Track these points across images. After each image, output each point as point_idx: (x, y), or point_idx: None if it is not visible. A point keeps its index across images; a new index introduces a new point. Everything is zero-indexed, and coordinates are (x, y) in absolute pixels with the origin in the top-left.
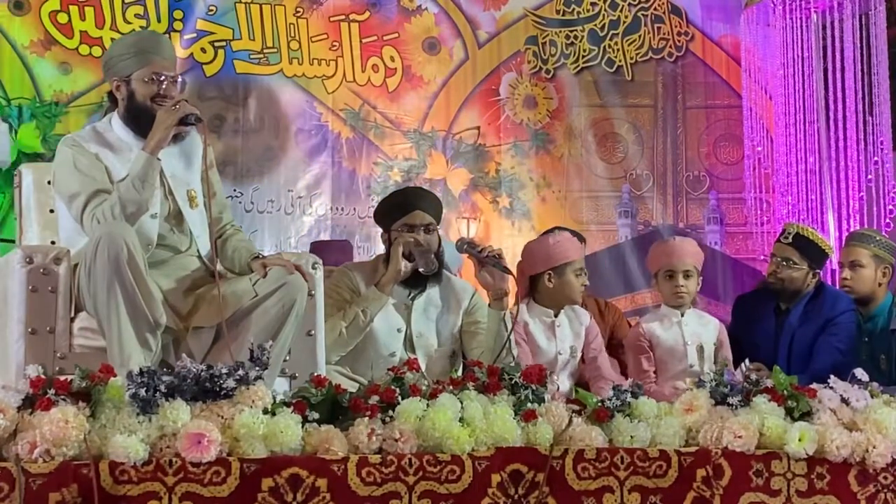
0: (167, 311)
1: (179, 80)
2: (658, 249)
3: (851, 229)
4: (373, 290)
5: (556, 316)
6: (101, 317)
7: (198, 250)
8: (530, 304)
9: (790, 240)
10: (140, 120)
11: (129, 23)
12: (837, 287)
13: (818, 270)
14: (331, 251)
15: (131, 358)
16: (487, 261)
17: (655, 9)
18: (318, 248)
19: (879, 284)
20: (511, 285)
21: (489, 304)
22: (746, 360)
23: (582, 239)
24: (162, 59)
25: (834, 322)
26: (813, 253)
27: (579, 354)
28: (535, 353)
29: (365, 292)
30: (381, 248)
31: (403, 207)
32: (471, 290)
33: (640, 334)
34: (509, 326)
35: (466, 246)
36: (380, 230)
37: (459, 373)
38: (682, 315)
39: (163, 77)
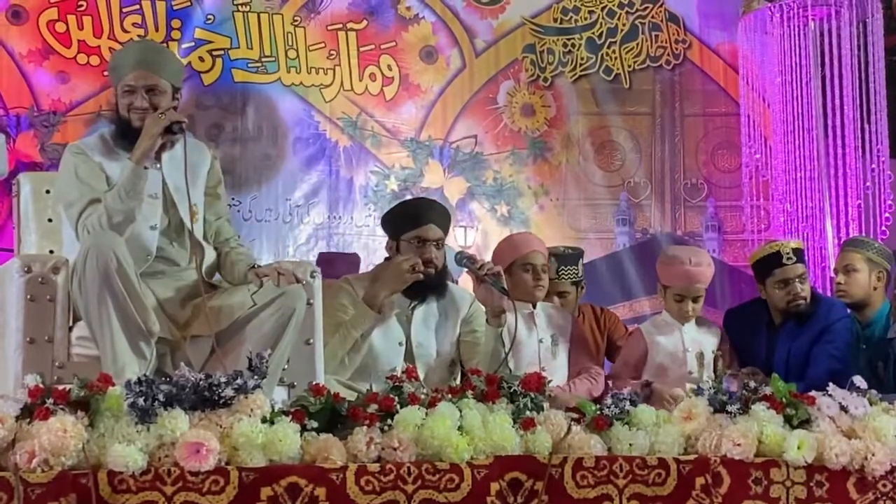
0: (164, 320)
1: (160, 89)
2: (674, 269)
3: (849, 236)
4: (363, 309)
5: (534, 307)
6: (93, 327)
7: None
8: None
9: (794, 258)
10: (124, 131)
11: (126, 32)
12: (833, 293)
13: None
14: (340, 264)
15: (125, 367)
16: (486, 279)
17: (653, 17)
18: (325, 259)
19: (874, 289)
20: (508, 304)
21: (486, 321)
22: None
23: (575, 260)
24: (139, 71)
25: (829, 330)
26: (805, 259)
27: (564, 347)
28: (516, 345)
29: (355, 312)
30: (378, 258)
31: (416, 219)
32: (469, 298)
33: (638, 341)
34: (507, 343)
35: (466, 261)
36: (378, 239)
37: (459, 382)
38: (684, 322)
39: (134, 89)
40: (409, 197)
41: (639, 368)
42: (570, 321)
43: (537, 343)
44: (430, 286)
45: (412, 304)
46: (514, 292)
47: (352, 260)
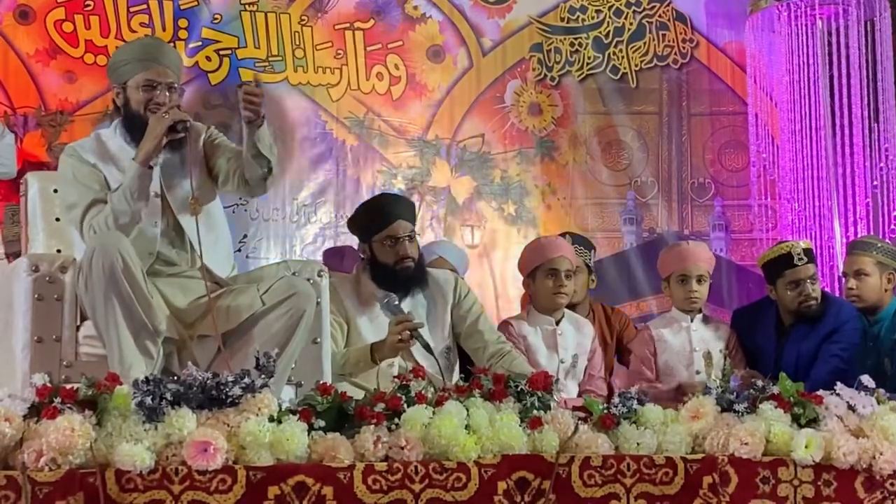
0: (170, 319)
1: (177, 87)
2: (671, 253)
3: (857, 235)
4: (365, 359)
5: (557, 324)
6: (100, 326)
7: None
8: (531, 313)
9: (805, 258)
10: (135, 128)
11: (134, 31)
12: (844, 297)
13: None
14: (349, 258)
15: (132, 367)
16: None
17: (660, 16)
18: (334, 253)
19: (886, 290)
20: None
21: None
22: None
23: (589, 245)
24: (159, 67)
25: (838, 331)
26: (815, 259)
27: (582, 365)
28: (535, 364)
29: (357, 356)
30: None
31: (385, 219)
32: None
33: (646, 340)
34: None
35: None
36: None
37: (456, 368)
38: (692, 320)
39: (156, 84)
40: (415, 197)
41: (653, 367)
42: (591, 336)
43: (557, 364)
44: (411, 279)
45: (398, 298)
46: (536, 300)
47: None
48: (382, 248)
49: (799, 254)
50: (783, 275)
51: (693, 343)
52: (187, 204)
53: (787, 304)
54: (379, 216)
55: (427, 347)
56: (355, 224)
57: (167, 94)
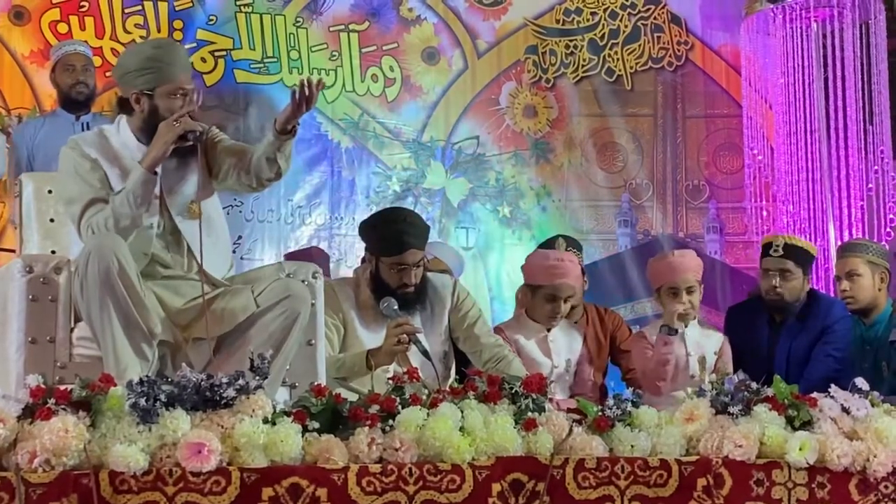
0: (165, 321)
1: (197, 92)
2: (659, 266)
3: (844, 241)
4: (360, 364)
5: (548, 331)
6: (95, 328)
7: (197, 267)
8: (522, 318)
9: (781, 251)
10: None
11: (129, 32)
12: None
13: (808, 276)
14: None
15: (127, 369)
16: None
17: (655, 18)
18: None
19: (879, 290)
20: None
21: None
22: (740, 372)
23: (579, 247)
24: (183, 73)
25: (830, 329)
26: (803, 259)
27: (574, 369)
28: (530, 367)
29: (353, 361)
30: None
31: (398, 248)
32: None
33: (645, 347)
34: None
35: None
36: None
37: (452, 372)
38: (686, 326)
39: (186, 92)
40: (409, 199)
41: (662, 369)
42: (581, 341)
43: (551, 370)
44: (412, 300)
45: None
46: (532, 313)
47: (319, 255)
48: (389, 271)
49: (777, 246)
50: (761, 263)
51: (688, 348)
52: (186, 208)
53: (762, 292)
54: (392, 243)
55: (425, 353)
56: (366, 236)
57: (191, 101)
